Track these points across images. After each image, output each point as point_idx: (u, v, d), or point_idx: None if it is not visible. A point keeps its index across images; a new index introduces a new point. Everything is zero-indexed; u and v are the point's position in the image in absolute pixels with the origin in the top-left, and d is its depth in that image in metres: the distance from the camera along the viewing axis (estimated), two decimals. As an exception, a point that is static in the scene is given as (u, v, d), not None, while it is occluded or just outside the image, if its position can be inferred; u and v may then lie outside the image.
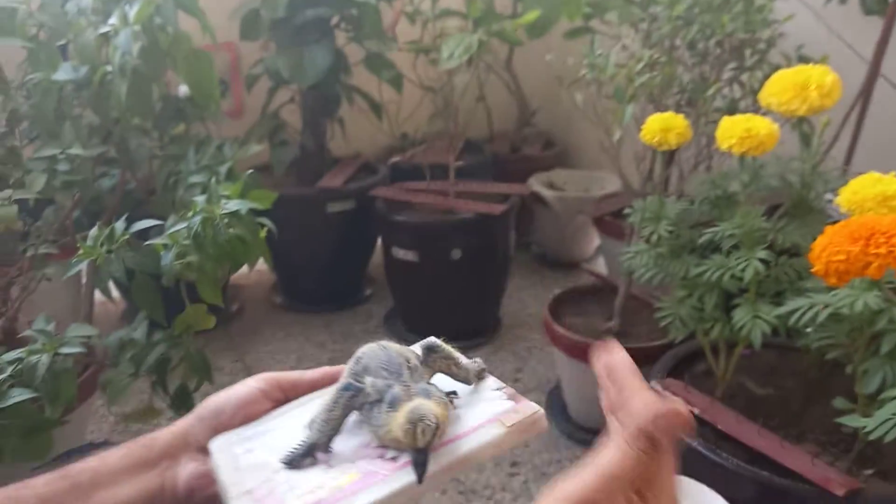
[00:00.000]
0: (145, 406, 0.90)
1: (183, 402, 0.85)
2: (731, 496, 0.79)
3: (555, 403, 1.35)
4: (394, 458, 0.44)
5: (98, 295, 1.67)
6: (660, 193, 0.94)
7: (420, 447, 0.41)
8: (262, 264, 1.97)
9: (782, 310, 0.73)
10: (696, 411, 0.88)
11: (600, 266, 1.85)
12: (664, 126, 0.81)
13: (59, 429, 0.92)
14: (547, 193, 1.88)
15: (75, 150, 0.87)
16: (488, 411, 0.47)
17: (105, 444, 0.76)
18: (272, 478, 0.45)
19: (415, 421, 0.41)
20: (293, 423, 0.48)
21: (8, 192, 0.87)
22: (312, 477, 0.44)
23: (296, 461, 0.45)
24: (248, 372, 1.50)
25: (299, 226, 1.67)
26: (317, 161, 1.73)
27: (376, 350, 0.47)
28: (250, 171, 0.90)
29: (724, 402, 0.92)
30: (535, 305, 1.80)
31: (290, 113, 1.72)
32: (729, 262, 0.81)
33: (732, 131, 0.72)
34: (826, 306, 0.69)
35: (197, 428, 0.49)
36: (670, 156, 1.05)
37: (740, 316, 0.79)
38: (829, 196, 0.86)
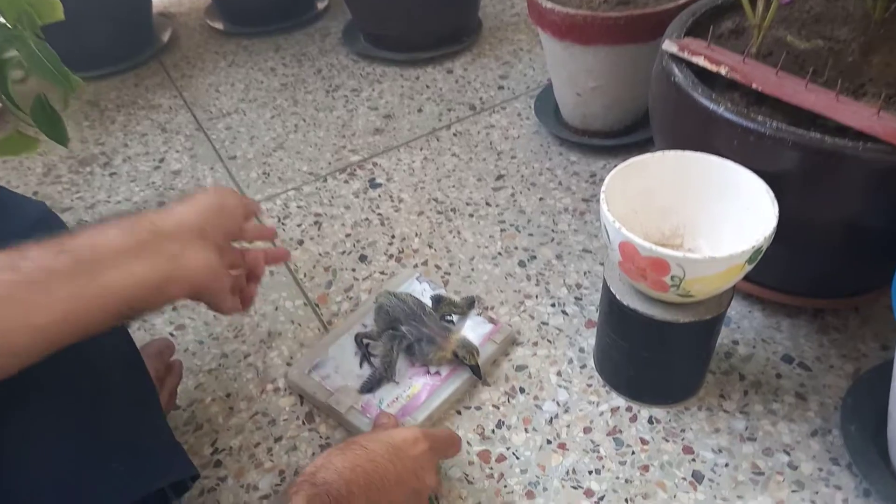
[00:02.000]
0: (12, 133, 0.70)
1: (48, 120, 0.65)
2: (767, 170, 0.61)
3: (543, 107, 1.14)
4: (438, 373, 0.75)
5: None
6: None
7: (475, 363, 0.73)
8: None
9: None
10: (724, 70, 0.67)
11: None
12: None
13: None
14: None
15: None
16: (480, 333, 0.78)
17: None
18: (362, 397, 0.72)
19: (468, 348, 0.73)
20: (341, 354, 0.77)
21: None
22: (391, 392, 0.73)
23: (373, 388, 0.73)
24: (190, 109, 1.29)
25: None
26: None
27: (396, 302, 0.76)
28: None
29: (760, 61, 0.70)
30: (522, 2, 1.50)
31: None
32: None
33: None
34: None
35: (210, 224, 0.51)
36: None
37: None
38: None
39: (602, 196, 0.62)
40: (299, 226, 1.00)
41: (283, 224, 1.01)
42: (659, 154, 0.66)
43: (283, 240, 0.98)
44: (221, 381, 0.80)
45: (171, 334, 0.86)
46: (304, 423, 0.75)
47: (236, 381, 0.80)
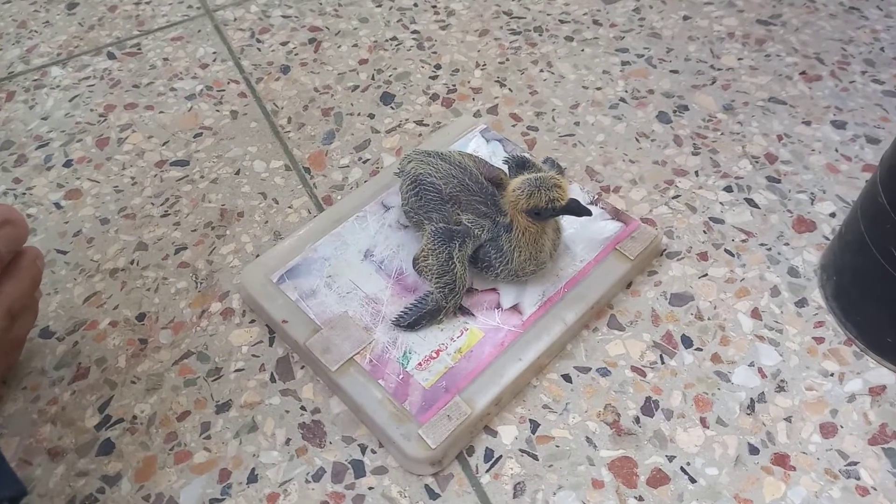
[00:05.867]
0: None
1: None
2: None
3: None
4: (517, 308, 0.39)
5: None
6: None
7: (567, 199, 0.37)
8: None
9: None
10: None
11: None
12: None
13: None
14: None
15: None
16: (600, 238, 0.43)
17: None
18: (373, 339, 0.38)
19: (543, 186, 0.36)
20: (341, 254, 0.42)
21: None
22: (428, 339, 0.38)
23: (419, 323, 0.38)
24: None
25: None
26: None
27: (445, 168, 0.40)
28: None
29: None
30: None
31: None
32: None
33: None
34: None
35: None
36: None
37: None
38: None
39: None
40: (284, 45, 0.62)
41: (258, 41, 0.62)
42: None
43: (256, 65, 0.60)
44: (132, 292, 0.44)
45: (58, 205, 0.49)
46: (273, 378, 0.39)
47: (157, 292, 0.44)
